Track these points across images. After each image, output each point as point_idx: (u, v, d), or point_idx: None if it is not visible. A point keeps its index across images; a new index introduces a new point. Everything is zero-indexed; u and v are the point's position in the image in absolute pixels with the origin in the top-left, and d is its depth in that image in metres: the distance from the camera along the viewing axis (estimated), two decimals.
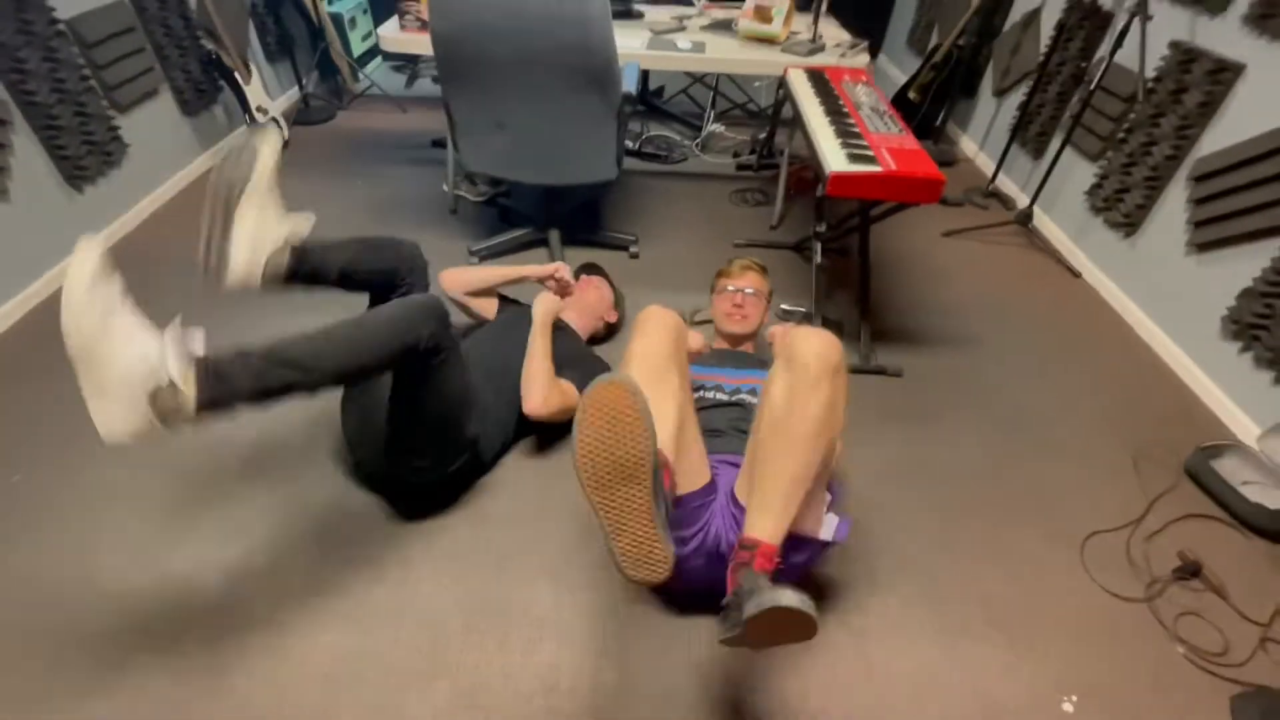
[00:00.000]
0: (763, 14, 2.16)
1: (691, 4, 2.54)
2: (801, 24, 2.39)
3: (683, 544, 1.13)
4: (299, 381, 1.00)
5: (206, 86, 2.70)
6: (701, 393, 1.47)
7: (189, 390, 0.87)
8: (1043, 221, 2.64)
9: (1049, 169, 2.45)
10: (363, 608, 1.26)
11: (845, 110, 1.78)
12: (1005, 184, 2.93)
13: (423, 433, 1.27)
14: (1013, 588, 1.38)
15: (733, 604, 0.91)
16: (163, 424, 0.85)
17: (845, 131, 1.65)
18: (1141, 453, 1.71)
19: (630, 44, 2.14)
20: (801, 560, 1.15)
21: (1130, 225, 2.18)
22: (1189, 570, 1.41)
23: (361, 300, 1.42)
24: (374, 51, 3.90)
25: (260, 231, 1.10)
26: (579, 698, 1.16)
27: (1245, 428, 1.74)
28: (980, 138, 3.21)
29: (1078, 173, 2.45)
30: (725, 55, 2.16)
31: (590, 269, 1.95)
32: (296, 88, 3.32)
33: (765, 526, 0.98)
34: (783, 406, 1.02)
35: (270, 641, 1.20)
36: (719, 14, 2.55)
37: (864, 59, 2.21)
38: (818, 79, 2.00)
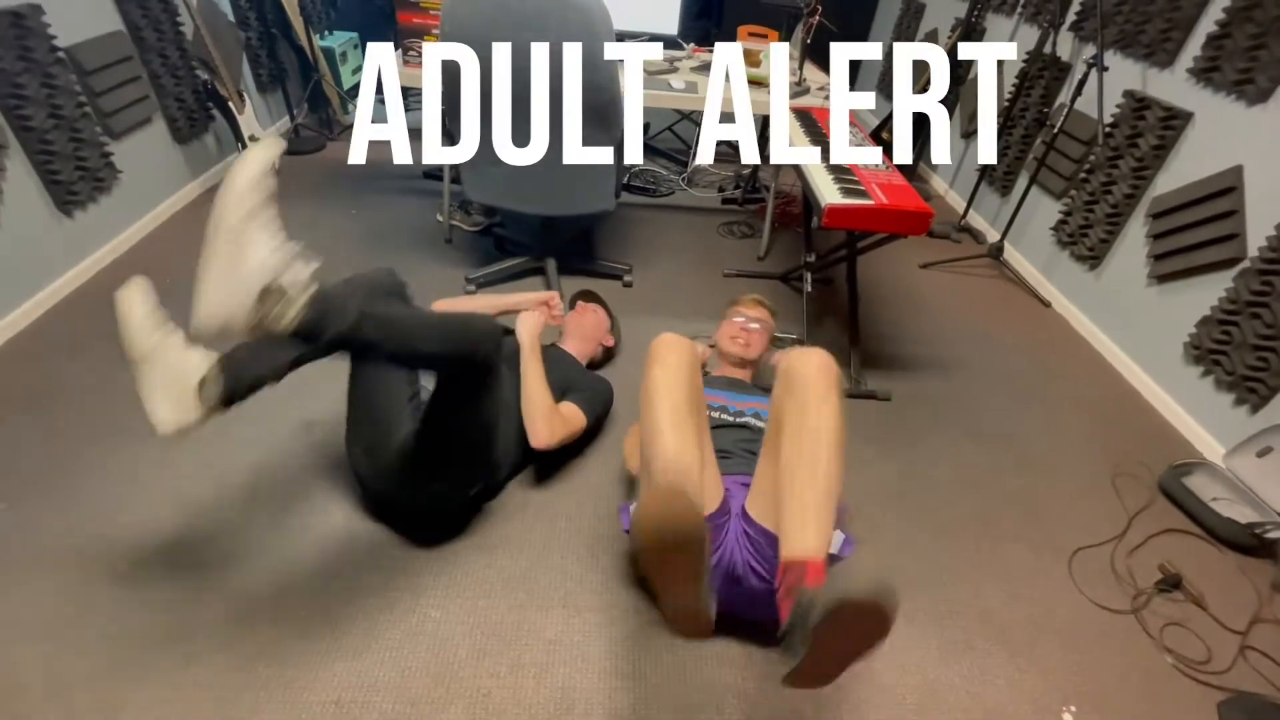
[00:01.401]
0: (752, 58, 2.29)
1: (682, 47, 2.67)
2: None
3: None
4: (378, 342, 1.04)
5: (199, 115, 2.71)
6: (710, 414, 1.51)
7: (297, 301, 0.90)
8: (1013, 255, 2.78)
9: (1017, 206, 2.61)
10: (372, 636, 1.25)
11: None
12: (975, 220, 3.09)
13: (451, 452, 1.28)
14: (1009, 602, 1.43)
15: (794, 625, 0.87)
16: (256, 326, 0.89)
17: (836, 168, 1.75)
18: (1119, 471, 1.80)
19: (626, 83, 2.23)
20: None
21: (1095, 258, 2.32)
22: (1170, 582, 1.48)
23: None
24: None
25: (232, 273, 0.87)
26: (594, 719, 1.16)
27: (1211, 447, 1.85)
28: (950, 177, 3.39)
29: (1043, 209, 2.61)
30: (716, 95, 2.26)
31: (586, 295, 2.00)
32: (288, 117, 3.34)
33: (807, 542, 0.95)
34: (800, 422, 1.04)
35: (279, 673, 1.17)
36: (707, 56, 2.68)
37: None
38: (805, 118, 2.11)
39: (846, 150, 1.85)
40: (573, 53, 1.59)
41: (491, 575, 1.38)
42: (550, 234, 2.26)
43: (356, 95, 3.78)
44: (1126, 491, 1.74)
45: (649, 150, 3.51)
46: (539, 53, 1.60)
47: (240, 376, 1.09)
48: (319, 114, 3.59)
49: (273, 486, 1.52)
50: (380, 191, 2.93)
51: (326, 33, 3.68)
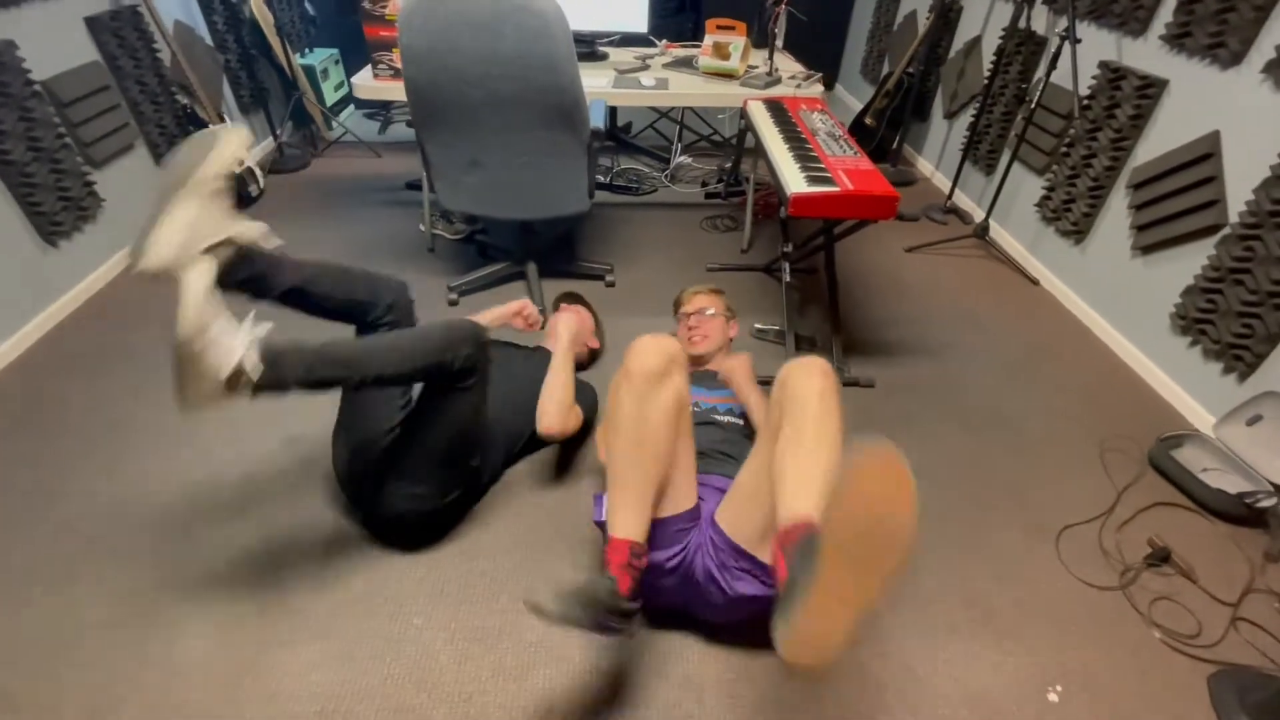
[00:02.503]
0: (720, 50, 2.28)
1: (654, 44, 2.67)
2: (759, 59, 2.51)
3: (660, 563, 1.15)
4: (343, 378, 1.14)
5: (181, 139, 2.74)
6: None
7: (253, 374, 1.01)
8: (999, 233, 2.76)
9: (1000, 184, 2.58)
10: (355, 644, 1.26)
11: (803, 136, 1.88)
12: (962, 200, 3.07)
13: (429, 456, 1.29)
14: (995, 584, 1.42)
15: (793, 575, 0.81)
16: (225, 397, 1.00)
17: (804, 156, 1.74)
18: (1107, 446, 1.78)
19: (597, 83, 2.24)
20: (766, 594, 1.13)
21: (1079, 233, 2.30)
22: (1159, 556, 1.46)
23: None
24: (347, 100, 3.99)
25: (200, 222, 1.02)
26: (576, 719, 1.16)
27: (1201, 417, 1.83)
28: (936, 158, 3.37)
29: (1027, 186, 2.59)
30: (687, 90, 2.26)
31: (570, 298, 2.00)
32: (271, 137, 3.37)
33: (810, 502, 0.91)
34: (804, 407, 1.01)
35: (263, 685, 1.19)
36: (680, 52, 2.67)
37: (818, 89, 2.33)
38: (776, 109, 2.10)
39: (814, 139, 1.84)
40: (531, 56, 1.59)
41: (474, 580, 1.39)
42: (529, 238, 2.27)
43: (340, 112, 3.81)
44: (1115, 467, 1.72)
45: (631, 149, 3.51)
46: (497, 58, 1.60)
47: (238, 270, 1.14)
48: (303, 131, 3.62)
49: (255, 497, 1.53)
50: (364, 204, 2.95)
51: (306, 50, 3.71)
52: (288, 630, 1.27)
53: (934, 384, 1.99)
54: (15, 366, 1.93)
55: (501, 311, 1.74)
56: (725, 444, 1.40)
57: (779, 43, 2.51)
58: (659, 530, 1.15)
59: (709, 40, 2.31)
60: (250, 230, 1.12)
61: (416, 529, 1.43)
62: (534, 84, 1.65)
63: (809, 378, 1.05)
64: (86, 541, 1.43)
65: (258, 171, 2.98)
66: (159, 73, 2.60)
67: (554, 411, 1.48)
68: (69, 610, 1.29)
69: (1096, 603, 1.39)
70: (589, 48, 2.59)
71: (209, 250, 1.03)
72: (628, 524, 1.04)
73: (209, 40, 2.99)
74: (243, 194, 2.85)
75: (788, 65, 2.57)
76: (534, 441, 1.61)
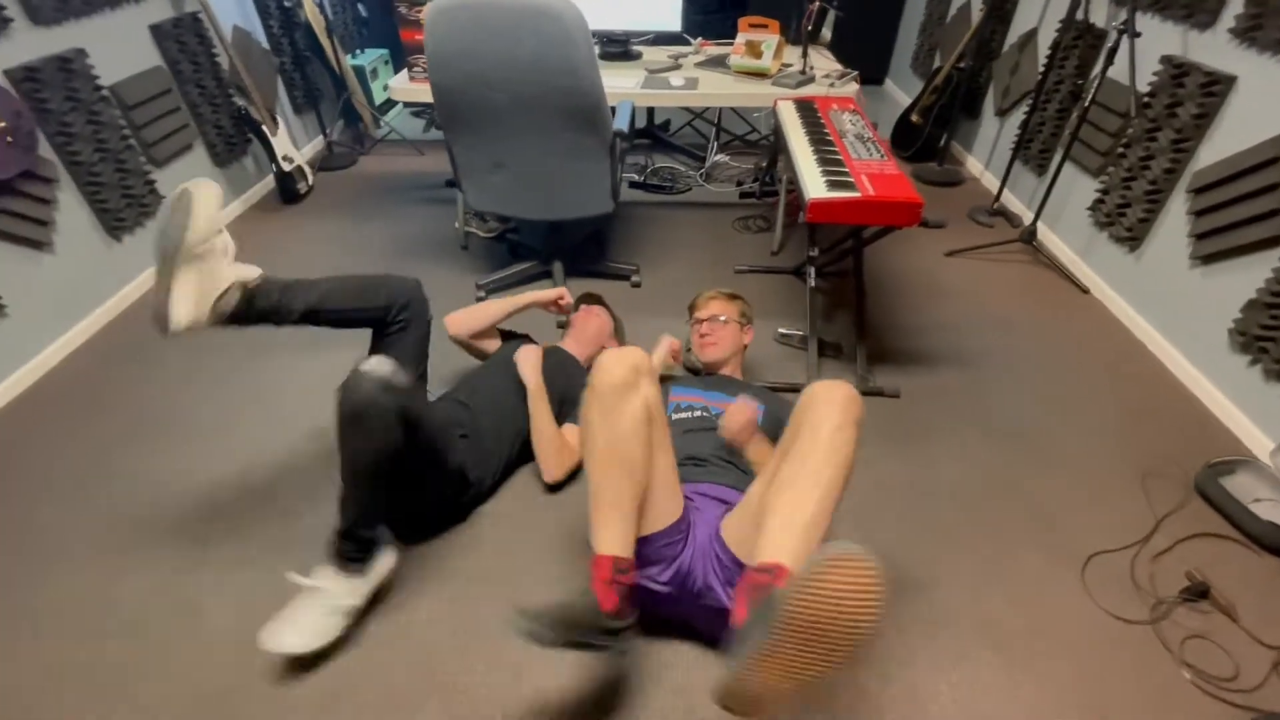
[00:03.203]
0: (753, 49, 2.24)
1: (689, 43, 2.64)
2: (794, 56, 2.46)
3: (653, 580, 1.15)
4: (303, 307, 1.29)
5: (237, 139, 2.90)
6: (689, 414, 1.50)
7: (236, 297, 1.20)
8: (1048, 238, 2.62)
9: (1049, 186, 2.45)
10: (362, 628, 1.31)
11: (829, 138, 1.83)
12: (1012, 203, 2.92)
13: (412, 463, 1.32)
14: (1011, 610, 1.36)
15: (754, 618, 0.81)
16: (209, 319, 1.18)
17: (827, 159, 1.69)
18: (1151, 470, 1.67)
19: (625, 84, 2.24)
20: None
21: (1134, 240, 2.16)
22: (1197, 591, 1.37)
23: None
24: (395, 99, 4.11)
25: (204, 282, 1.16)
26: (566, 718, 1.18)
27: (1258, 442, 1.69)
28: (985, 157, 3.22)
29: (1080, 188, 2.44)
30: (715, 90, 2.23)
31: (590, 299, 2.01)
32: (321, 136, 3.52)
33: (786, 548, 0.91)
34: (811, 444, 1.00)
35: (275, 660, 1.25)
36: (715, 50, 2.64)
37: (853, 88, 2.26)
38: (806, 109, 2.05)
39: (841, 141, 1.79)
40: (550, 60, 1.61)
41: (479, 576, 1.42)
42: (557, 237, 2.29)
43: (388, 111, 3.94)
44: (1157, 493, 1.61)
45: (667, 147, 3.50)
46: (517, 63, 1.62)
47: (254, 306, 1.25)
48: (352, 129, 3.76)
49: (284, 486, 1.61)
50: (406, 202, 3.04)
51: (358, 51, 3.85)
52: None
53: (963, 395, 1.91)
54: (82, 350, 2.09)
55: (542, 294, 1.81)
56: (727, 451, 1.38)
57: (826, 37, 2.45)
58: (646, 548, 1.13)
59: (741, 39, 2.27)
60: (249, 272, 1.25)
61: (422, 525, 1.49)
62: (554, 87, 1.67)
63: (829, 407, 1.02)
64: (129, 517, 1.54)
65: (307, 170, 3.11)
66: (217, 76, 2.75)
67: (545, 460, 1.54)
68: (110, 578, 1.40)
69: (1122, 636, 1.31)
70: (622, 47, 2.59)
71: (221, 298, 1.18)
72: (609, 540, 1.03)
73: (265, 43, 3.14)
74: (292, 191, 2.98)
75: (824, 63, 2.50)
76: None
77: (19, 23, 1.90)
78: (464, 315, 1.76)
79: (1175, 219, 2.00)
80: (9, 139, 1.80)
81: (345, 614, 1.26)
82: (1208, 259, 1.88)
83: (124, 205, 2.27)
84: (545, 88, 1.67)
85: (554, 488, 1.60)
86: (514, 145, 1.84)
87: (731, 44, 2.40)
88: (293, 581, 1.23)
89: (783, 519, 0.95)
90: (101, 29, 2.19)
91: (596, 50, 2.64)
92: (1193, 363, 1.93)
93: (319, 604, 1.23)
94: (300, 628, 1.20)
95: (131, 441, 1.75)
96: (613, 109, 1.96)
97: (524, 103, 1.71)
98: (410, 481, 1.32)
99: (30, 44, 1.93)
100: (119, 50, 2.26)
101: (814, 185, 1.56)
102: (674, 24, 2.49)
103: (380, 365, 1.18)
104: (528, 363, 1.61)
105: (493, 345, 1.81)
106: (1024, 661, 1.27)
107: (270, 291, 1.27)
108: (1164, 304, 2.05)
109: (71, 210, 2.08)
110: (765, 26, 2.24)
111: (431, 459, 1.33)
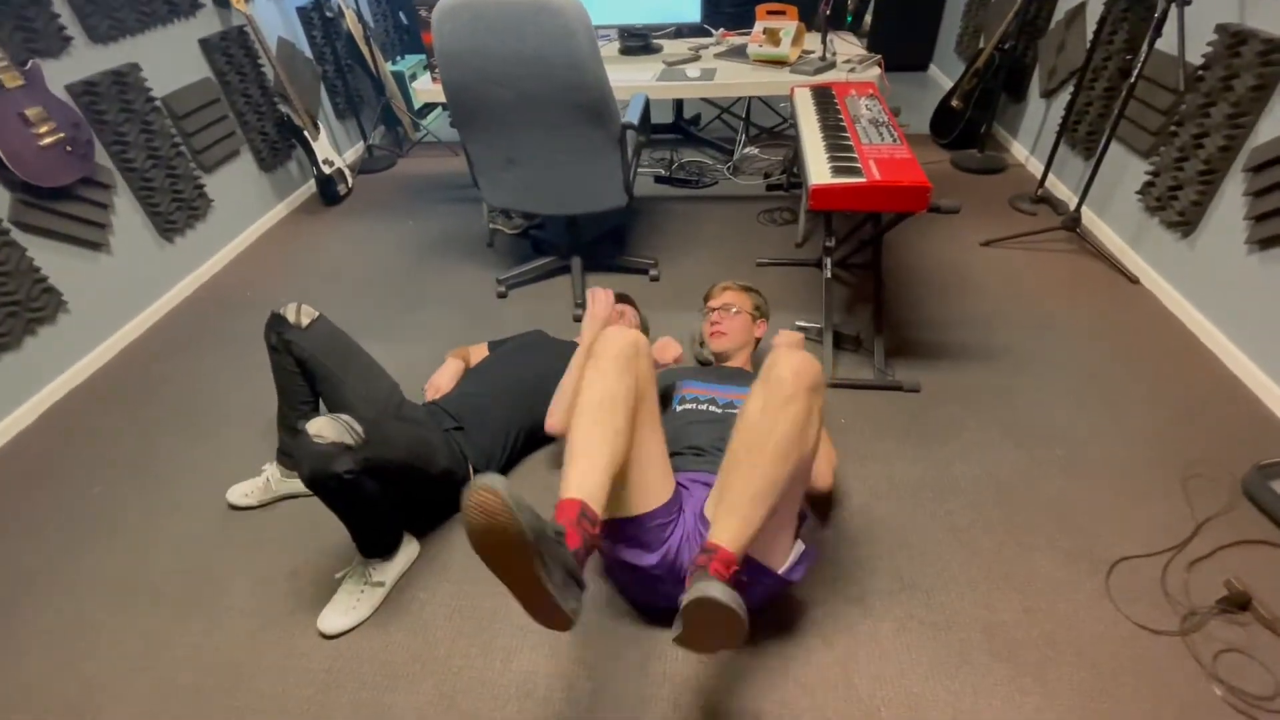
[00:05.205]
0: (772, 36, 2.19)
1: (710, 33, 2.61)
2: (815, 42, 2.39)
3: (647, 567, 1.15)
4: None
5: (281, 145, 3.05)
6: (694, 405, 1.49)
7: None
8: (1095, 225, 2.46)
9: (1094, 168, 2.30)
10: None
11: (842, 124, 1.77)
12: (1058, 188, 2.76)
13: (392, 489, 1.35)
14: (1023, 616, 1.28)
15: (688, 598, 0.91)
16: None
17: (836, 145, 1.64)
18: (1194, 471, 1.55)
19: (640, 77, 2.23)
20: (757, 593, 1.13)
21: (1186, 224, 2.00)
22: (1236, 602, 1.26)
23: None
24: (434, 103, 4.24)
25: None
26: (553, 705, 1.19)
27: None
28: (1031, 142, 3.05)
29: (1130, 171, 2.28)
30: (732, 80, 2.20)
31: (619, 298, 2.01)
32: (362, 140, 3.66)
33: (725, 533, 0.97)
34: (755, 421, 1.02)
35: (284, 638, 1.32)
36: (736, 40, 2.60)
37: (875, 72, 2.18)
38: (822, 96, 1.99)
39: (854, 126, 1.73)
40: (554, 56, 1.62)
41: (477, 563, 1.43)
42: (575, 232, 2.31)
43: (427, 114, 4.07)
44: (1199, 496, 1.49)
45: (696, 141, 3.47)
46: (521, 59, 1.65)
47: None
48: (392, 133, 3.89)
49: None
50: (439, 201, 3.13)
51: (398, 57, 3.98)
52: (310, 595, 1.40)
53: (989, 392, 1.82)
54: (136, 345, 2.25)
55: (592, 326, 1.58)
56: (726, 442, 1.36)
57: (867, 21, 2.38)
58: (638, 529, 1.14)
59: (759, 26, 2.23)
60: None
61: (422, 514, 1.55)
62: (559, 83, 1.68)
63: (778, 383, 1.02)
64: (167, 499, 1.65)
65: (347, 172, 3.25)
66: (262, 85, 2.90)
67: (556, 406, 1.52)
68: (143, 554, 1.50)
69: (1147, 647, 1.22)
70: (643, 41, 2.59)
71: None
72: (576, 484, 1.01)
73: (308, 53, 3.29)
74: (332, 193, 3.12)
75: (846, 49, 2.42)
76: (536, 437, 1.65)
77: (78, 40, 2.06)
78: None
79: (1231, 201, 1.84)
80: (69, 148, 1.95)
81: (376, 593, 1.38)
82: (1266, 243, 1.72)
83: (175, 209, 2.42)
84: (549, 82, 1.68)
85: (541, 467, 1.63)
86: (523, 141, 1.87)
87: (749, 32, 2.36)
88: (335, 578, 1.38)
89: (727, 501, 1.00)
90: (154, 44, 2.34)
91: (616, 45, 2.66)
92: (1248, 355, 1.77)
93: (354, 590, 1.36)
94: (340, 609, 1.34)
95: (173, 430, 1.87)
96: (627, 103, 1.96)
97: (530, 98, 1.73)
98: (396, 499, 1.38)
99: (88, 60, 2.10)
100: (170, 63, 2.42)
101: (817, 172, 1.52)
102: (693, 15, 2.47)
103: (326, 428, 1.16)
104: (592, 317, 1.54)
105: (480, 354, 1.85)
106: (1033, 670, 1.20)
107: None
108: (1219, 292, 1.90)
109: (126, 214, 2.24)
110: (783, 13, 2.19)
111: (411, 476, 1.37)
